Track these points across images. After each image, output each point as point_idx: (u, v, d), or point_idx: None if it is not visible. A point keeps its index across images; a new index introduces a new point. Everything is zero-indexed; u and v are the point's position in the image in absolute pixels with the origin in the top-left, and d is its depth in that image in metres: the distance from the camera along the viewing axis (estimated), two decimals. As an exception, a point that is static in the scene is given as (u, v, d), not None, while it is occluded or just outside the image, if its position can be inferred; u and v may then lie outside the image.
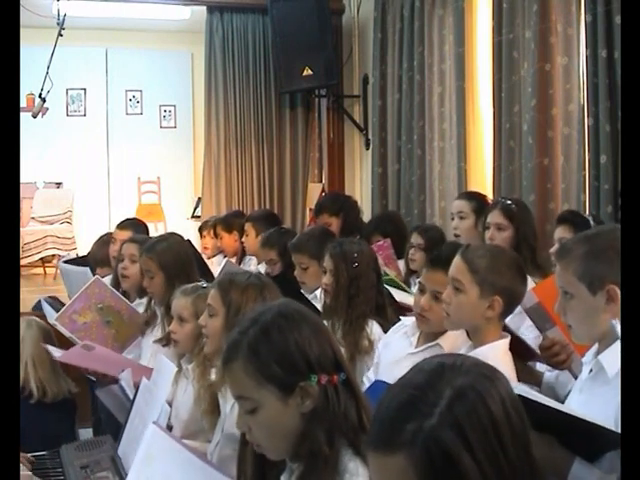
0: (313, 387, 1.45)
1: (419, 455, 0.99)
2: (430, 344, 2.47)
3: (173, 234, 3.57)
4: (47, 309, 3.71)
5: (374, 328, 2.93)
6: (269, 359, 1.44)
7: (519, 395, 1.52)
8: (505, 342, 2.17)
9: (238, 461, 1.67)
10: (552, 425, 1.64)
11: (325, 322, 2.93)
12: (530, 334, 2.59)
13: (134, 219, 4.49)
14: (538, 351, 2.37)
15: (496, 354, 2.12)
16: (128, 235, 3.93)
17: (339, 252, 3.04)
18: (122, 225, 4.20)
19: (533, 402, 1.56)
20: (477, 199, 3.86)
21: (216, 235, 5.28)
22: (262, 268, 4.44)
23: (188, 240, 4.42)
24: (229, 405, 2.24)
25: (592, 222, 3.28)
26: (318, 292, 3.45)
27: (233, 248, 5.13)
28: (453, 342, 2.39)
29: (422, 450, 0.99)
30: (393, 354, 2.57)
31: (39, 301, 3.90)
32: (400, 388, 1.05)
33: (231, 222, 5.17)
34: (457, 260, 2.21)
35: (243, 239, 4.84)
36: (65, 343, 3.37)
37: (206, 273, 4.10)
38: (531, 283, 2.49)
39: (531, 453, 1.05)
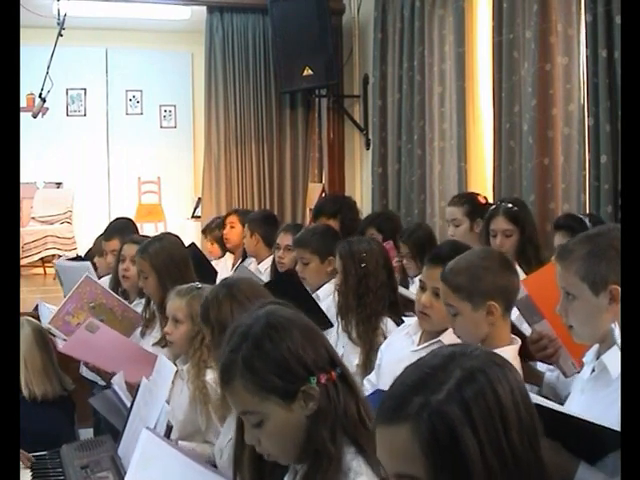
0: (314, 388, 1.46)
1: (424, 428, 1.01)
2: (432, 341, 2.48)
3: (167, 234, 3.55)
4: (43, 312, 3.70)
5: (389, 325, 2.93)
6: (267, 372, 1.45)
7: None
8: (515, 348, 2.17)
9: (234, 464, 1.66)
10: (557, 429, 1.64)
11: (340, 321, 2.97)
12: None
13: (116, 222, 4.39)
14: None
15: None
16: (116, 244, 3.90)
17: (347, 252, 3.02)
18: (108, 236, 4.12)
19: (540, 407, 1.56)
20: (468, 202, 3.83)
21: (224, 225, 5.19)
22: (262, 268, 4.44)
23: (193, 243, 4.42)
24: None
25: (588, 223, 3.27)
26: (320, 292, 3.45)
27: (239, 241, 5.02)
28: (455, 340, 2.38)
29: (427, 423, 1.01)
30: (395, 354, 2.58)
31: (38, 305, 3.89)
32: (414, 368, 1.09)
33: None
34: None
35: (244, 240, 4.81)
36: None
37: (212, 273, 4.11)
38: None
39: (538, 449, 1.06)
